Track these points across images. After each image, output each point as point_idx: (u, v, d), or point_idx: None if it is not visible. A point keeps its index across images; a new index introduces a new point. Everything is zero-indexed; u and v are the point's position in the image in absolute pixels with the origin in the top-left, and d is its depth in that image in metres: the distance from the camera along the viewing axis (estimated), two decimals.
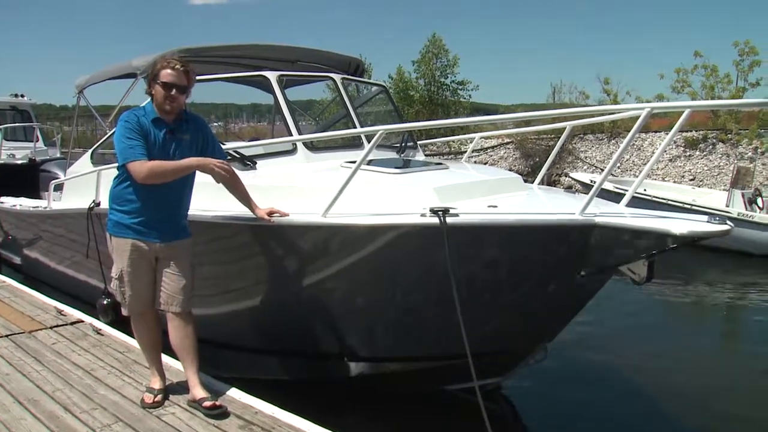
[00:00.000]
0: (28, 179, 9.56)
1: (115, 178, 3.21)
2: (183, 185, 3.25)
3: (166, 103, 3.09)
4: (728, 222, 2.92)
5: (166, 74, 3.09)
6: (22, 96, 14.85)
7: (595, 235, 3.06)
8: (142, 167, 3.01)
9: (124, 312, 3.40)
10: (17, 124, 13.81)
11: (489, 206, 3.45)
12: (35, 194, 8.40)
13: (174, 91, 3.08)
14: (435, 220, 3.14)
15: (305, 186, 4.01)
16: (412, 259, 3.44)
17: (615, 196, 4.01)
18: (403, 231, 3.36)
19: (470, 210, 3.29)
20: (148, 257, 3.23)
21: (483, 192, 3.80)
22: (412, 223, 3.29)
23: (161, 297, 3.26)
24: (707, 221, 2.90)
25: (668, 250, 2.88)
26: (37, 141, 13.57)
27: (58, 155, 12.95)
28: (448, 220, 3.13)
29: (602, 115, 5.26)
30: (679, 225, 2.83)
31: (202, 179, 3.31)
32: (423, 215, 3.22)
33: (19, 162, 11.92)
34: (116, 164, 3.14)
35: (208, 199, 3.60)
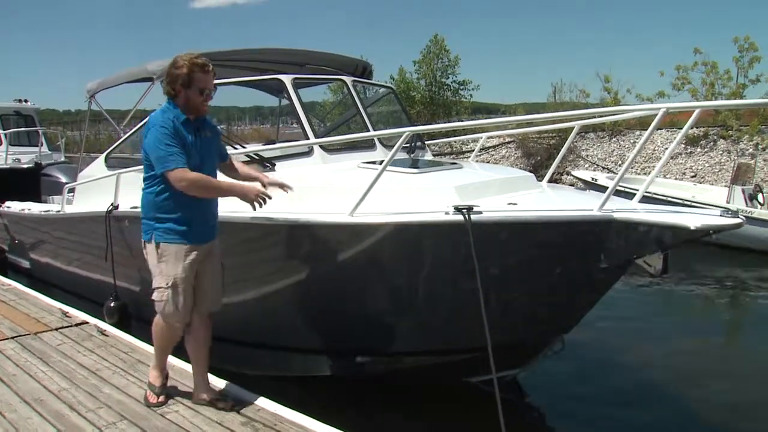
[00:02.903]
0: (29, 183, 9.59)
1: (152, 186, 3.10)
2: None
3: (204, 105, 3.14)
4: (740, 215, 3.00)
5: (202, 79, 3.08)
6: (26, 101, 14.95)
7: (613, 230, 3.13)
8: (184, 176, 2.96)
9: (175, 321, 3.21)
10: (22, 129, 13.89)
11: (509, 204, 3.53)
12: (37, 198, 8.41)
13: (208, 93, 3.14)
14: (459, 217, 3.21)
15: (326, 186, 4.07)
16: (438, 255, 3.50)
17: (617, 193, 4.06)
18: (428, 229, 3.41)
19: (491, 207, 3.35)
20: (198, 261, 3.19)
21: (500, 190, 3.87)
22: (437, 221, 3.35)
23: (206, 298, 3.26)
24: (720, 215, 2.97)
25: (683, 243, 2.96)
26: (42, 146, 13.67)
27: (63, 159, 13.05)
28: (472, 217, 3.20)
29: (613, 115, 5.27)
30: (693, 219, 2.92)
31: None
32: (447, 213, 3.29)
33: (26, 166, 12.02)
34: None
35: (232, 199, 3.67)
